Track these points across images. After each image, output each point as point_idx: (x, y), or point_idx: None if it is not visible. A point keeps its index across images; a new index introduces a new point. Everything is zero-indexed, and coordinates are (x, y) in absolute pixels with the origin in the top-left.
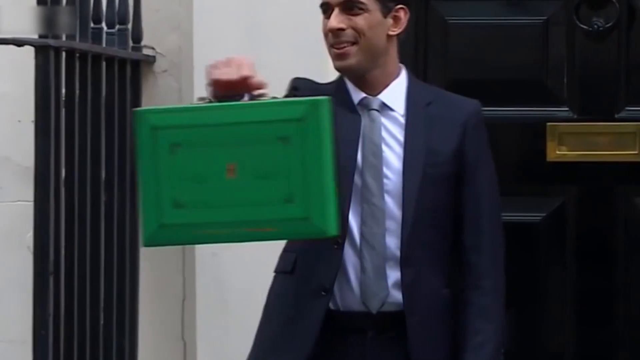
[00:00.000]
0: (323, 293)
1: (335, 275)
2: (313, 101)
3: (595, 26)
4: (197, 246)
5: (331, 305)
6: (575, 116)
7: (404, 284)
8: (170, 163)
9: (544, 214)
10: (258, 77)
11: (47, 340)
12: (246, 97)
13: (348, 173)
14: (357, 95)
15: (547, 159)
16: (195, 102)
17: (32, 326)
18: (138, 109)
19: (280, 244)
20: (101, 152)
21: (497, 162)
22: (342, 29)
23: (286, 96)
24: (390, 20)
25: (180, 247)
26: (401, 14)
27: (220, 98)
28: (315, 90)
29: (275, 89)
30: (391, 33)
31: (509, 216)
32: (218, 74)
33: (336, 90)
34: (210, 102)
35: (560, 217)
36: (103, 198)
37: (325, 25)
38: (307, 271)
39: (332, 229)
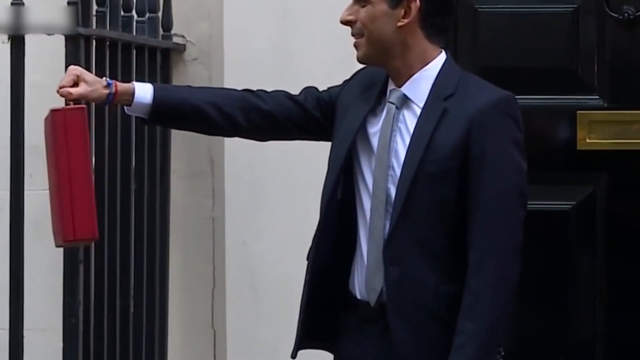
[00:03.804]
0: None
1: (312, 266)
2: (52, 112)
3: (626, 14)
4: (227, 234)
5: (357, 295)
6: (605, 104)
7: (388, 279)
8: None
9: (574, 202)
10: (76, 88)
11: (77, 328)
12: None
13: (335, 167)
14: (390, 86)
15: (577, 147)
16: None
17: (62, 314)
18: None
19: (311, 233)
20: (131, 141)
21: (527, 150)
22: (350, 21)
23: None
24: (401, 11)
25: (210, 235)
26: (411, 4)
27: None
28: (361, 81)
29: (305, 75)
30: (400, 24)
31: (539, 204)
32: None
33: (384, 80)
34: None
35: (590, 205)
36: (133, 186)
37: None
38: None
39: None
